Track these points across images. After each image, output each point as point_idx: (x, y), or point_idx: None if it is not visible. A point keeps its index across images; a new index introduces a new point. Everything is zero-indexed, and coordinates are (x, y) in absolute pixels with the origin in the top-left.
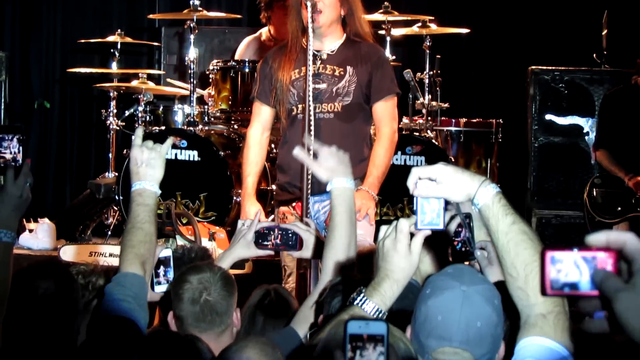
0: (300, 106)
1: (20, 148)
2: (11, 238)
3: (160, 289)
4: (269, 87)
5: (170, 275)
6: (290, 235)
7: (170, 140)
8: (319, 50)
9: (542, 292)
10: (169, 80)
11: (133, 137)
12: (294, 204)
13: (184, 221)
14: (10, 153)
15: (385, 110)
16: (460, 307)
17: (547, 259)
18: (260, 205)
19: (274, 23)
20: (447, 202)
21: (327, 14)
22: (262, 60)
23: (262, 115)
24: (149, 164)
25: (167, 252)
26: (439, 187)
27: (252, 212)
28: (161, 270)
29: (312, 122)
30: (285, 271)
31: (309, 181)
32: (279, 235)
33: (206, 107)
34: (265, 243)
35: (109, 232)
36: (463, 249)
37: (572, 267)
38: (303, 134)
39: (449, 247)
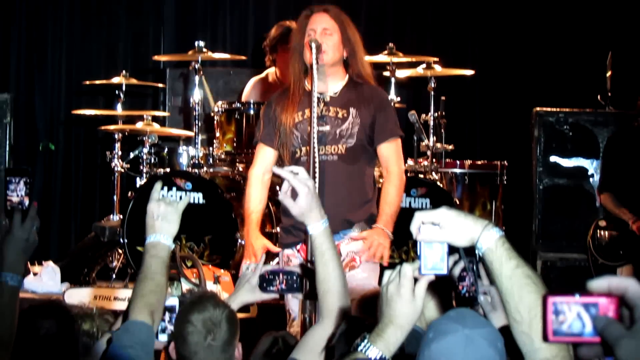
0: (304, 149)
1: (27, 191)
2: (17, 282)
3: (163, 338)
4: (273, 130)
5: None
6: (294, 278)
7: (186, 199)
8: (322, 93)
9: (544, 339)
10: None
11: (152, 191)
12: (298, 247)
13: (189, 264)
14: (18, 196)
15: (390, 151)
16: (463, 350)
17: (549, 306)
18: (265, 240)
19: (279, 65)
20: (451, 247)
21: (330, 54)
22: (266, 104)
23: (265, 158)
24: (164, 217)
25: (173, 301)
26: (442, 231)
27: (258, 245)
28: (167, 316)
29: (317, 165)
30: (290, 315)
31: None
32: (284, 279)
33: (211, 149)
34: (270, 287)
35: (114, 276)
36: (467, 294)
37: (574, 315)
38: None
39: (453, 292)
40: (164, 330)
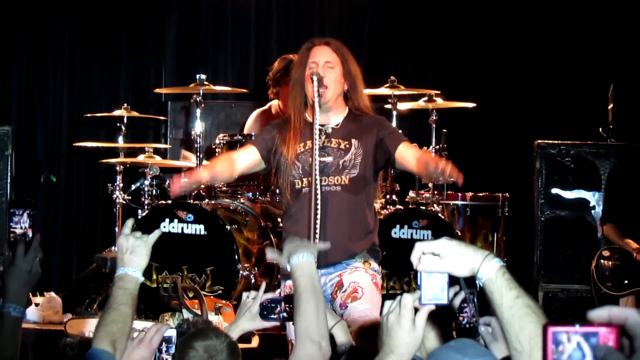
0: (305, 180)
1: (31, 222)
2: (20, 313)
3: None
4: (269, 144)
5: (172, 350)
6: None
7: (158, 232)
8: (324, 125)
9: None
10: (185, 153)
11: (123, 226)
12: None
13: (191, 295)
14: (21, 228)
15: (407, 147)
16: None
17: (549, 335)
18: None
19: (282, 98)
20: (451, 278)
21: (332, 88)
22: (268, 125)
23: (247, 155)
24: (133, 251)
25: (171, 332)
26: (443, 261)
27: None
28: (163, 346)
29: (319, 195)
30: (292, 345)
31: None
32: (285, 307)
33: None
34: (271, 315)
35: None
36: (468, 325)
37: (574, 345)
38: (308, 207)
39: (453, 323)
40: None
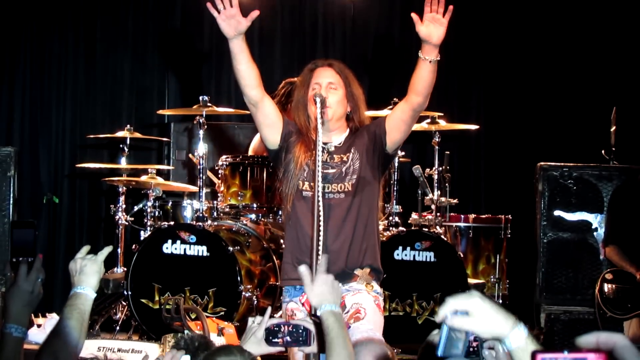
0: (307, 183)
1: (33, 244)
2: (22, 333)
3: None
4: (291, 128)
5: None
6: (300, 331)
7: (108, 249)
8: (327, 143)
9: None
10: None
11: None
12: (303, 300)
13: (193, 316)
14: (24, 248)
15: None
16: None
17: None
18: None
19: None
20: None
21: (334, 109)
22: (286, 122)
23: (276, 110)
24: (81, 272)
25: (185, 358)
26: (471, 320)
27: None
28: None
29: (321, 203)
30: None
31: None
32: (290, 332)
33: (215, 202)
34: (276, 340)
35: (118, 327)
36: (470, 348)
37: None
38: (311, 212)
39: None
40: None
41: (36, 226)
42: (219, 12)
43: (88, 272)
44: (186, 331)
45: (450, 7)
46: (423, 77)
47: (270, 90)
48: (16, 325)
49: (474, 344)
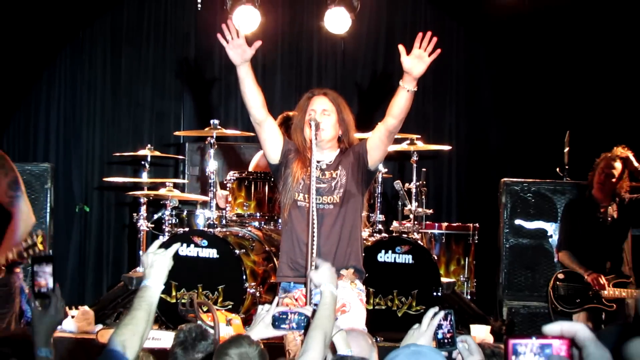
0: (301, 195)
1: (52, 275)
2: (50, 353)
3: None
4: (290, 147)
5: None
6: (302, 318)
7: (176, 245)
8: (320, 161)
9: None
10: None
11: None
12: (296, 296)
13: (205, 309)
14: (44, 280)
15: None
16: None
17: (509, 346)
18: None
19: None
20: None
21: (327, 131)
22: (286, 141)
23: (277, 128)
24: (152, 265)
25: None
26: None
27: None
28: None
29: (315, 222)
30: (289, 354)
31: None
32: (294, 319)
33: (224, 211)
34: (283, 325)
35: None
36: (444, 339)
37: (531, 355)
38: (305, 219)
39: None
40: None
41: (53, 259)
42: (227, 42)
43: (157, 266)
44: (204, 326)
45: (438, 50)
46: (400, 103)
47: (271, 111)
48: (47, 348)
49: (448, 336)
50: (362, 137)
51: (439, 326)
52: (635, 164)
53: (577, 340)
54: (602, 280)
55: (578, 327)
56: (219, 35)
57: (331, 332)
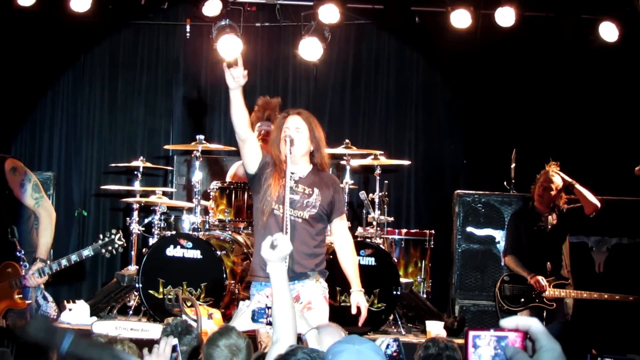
0: (278, 205)
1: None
2: (71, 343)
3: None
4: (267, 160)
5: (179, 352)
6: None
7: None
8: (294, 173)
9: None
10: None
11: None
12: (267, 294)
13: (189, 304)
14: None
15: (343, 224)
16: None
17: (469, 338)
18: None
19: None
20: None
21: (300, 147)
22: (264, 155)
23: (257, 145)
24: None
25: (175, 341)
26: None
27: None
28: (173, 354)
29: (289, 225)
30: (261, 345)
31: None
32: (271, 314)
33: (207, 216)
34: (261, 320)
35: (130, 312)
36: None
37: (488, 347)
38: (281, 225)
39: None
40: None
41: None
42: (231, 72)
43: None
44: (186, 319)
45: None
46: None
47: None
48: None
49: (394, 354)
50: (331, 152)
51: (387, 346)
52: (567, 179)
53: (530, 333)
54: (543, 282)
55: (532, 322)
56: (224, 64)
57: (292, 304)
